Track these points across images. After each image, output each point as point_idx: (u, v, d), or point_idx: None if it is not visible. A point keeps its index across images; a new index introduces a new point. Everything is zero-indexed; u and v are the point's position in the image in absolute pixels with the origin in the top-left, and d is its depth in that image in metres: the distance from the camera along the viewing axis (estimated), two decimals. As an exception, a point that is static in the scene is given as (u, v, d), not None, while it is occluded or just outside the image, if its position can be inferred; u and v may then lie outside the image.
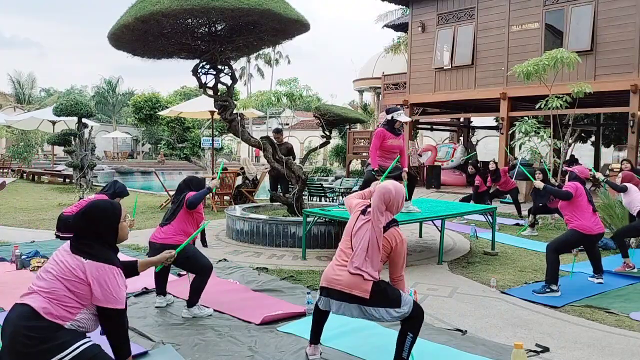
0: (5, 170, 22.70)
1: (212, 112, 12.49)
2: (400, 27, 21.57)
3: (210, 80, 7.90)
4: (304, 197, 8.74)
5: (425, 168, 17.18)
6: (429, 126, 22.05)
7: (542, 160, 9.09)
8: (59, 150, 24.17)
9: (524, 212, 10.25)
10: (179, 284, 5.16)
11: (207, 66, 7.80)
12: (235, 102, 8.62)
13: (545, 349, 3.82)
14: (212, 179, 3.86)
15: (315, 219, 6.95)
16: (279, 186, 9.72)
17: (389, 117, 6.46)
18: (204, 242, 7.32)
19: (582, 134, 22.10)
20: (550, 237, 7.78)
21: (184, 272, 5.27)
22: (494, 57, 15.35)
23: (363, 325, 4.16)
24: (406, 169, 6.63)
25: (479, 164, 11.78)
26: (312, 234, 7.12)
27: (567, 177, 5.84)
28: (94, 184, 16.53)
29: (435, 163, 17.99)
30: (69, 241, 2.51)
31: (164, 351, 3.67)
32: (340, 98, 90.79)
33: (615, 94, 13.42)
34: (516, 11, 14.83)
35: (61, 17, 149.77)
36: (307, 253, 6.76)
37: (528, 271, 6.27)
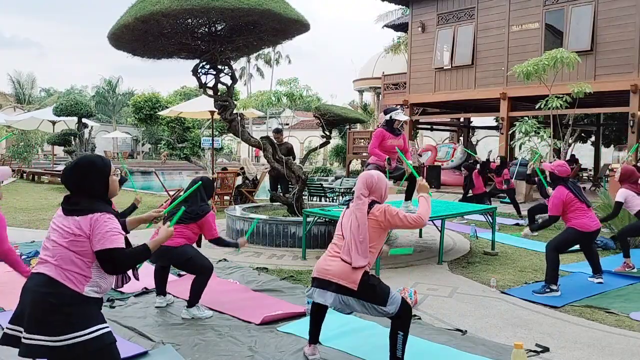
0: (5, 170, 22.63)
1: (212, 112, 12.47)
2: (400, 27, 21.59)
3: (210, 80, 7.89)
4: (304, 197, 8.74)
5: (425, 168, 17.18)
6: (429, 126, 22.08)
7: (534, 165, 8.95)
8: (59, 150, 24.21)
9: (524, 212, 10.24)
10: (179, 284, 5.17)
11: (207, 66, 7.79)
12: (235, 102, 8.61)
13: (545, 349, 3.82)
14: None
15: (315, 219, 6.95)
16: (279, 186, 9.72)
17: (387, 117, 6.47)
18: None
19: (582, 134, 22.13)
20: (550, 236, 7.77)
21: (184, 273, 5.27)
22: (494, 57, 15.36)
23: (363, 325, 4.17)
24: (410, 161, 6.60)
25: (477, 164, 11.75)
26: (312, 234, 7.12)
27: (548, 176, 5.82)
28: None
29: (435, 163, 18.00)
30: (61, 207, 2.54)
31: (164, 351, 3.67)
32: (340, 98, 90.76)
33: (615, 94, 13.43)
34: (516, 11, 14.84)
35: (61, 17, 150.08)
36: (307, 253, 6.76)
37: (528, 271, 6.27)
